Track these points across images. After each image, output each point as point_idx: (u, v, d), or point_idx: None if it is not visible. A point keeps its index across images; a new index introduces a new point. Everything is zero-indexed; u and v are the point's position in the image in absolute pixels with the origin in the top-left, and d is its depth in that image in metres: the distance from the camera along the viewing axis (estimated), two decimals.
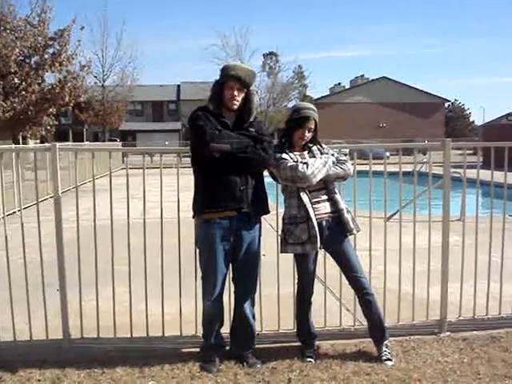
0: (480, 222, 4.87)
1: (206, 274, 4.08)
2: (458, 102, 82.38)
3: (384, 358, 4.20)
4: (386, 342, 4.32)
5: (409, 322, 4.82)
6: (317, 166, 4.03)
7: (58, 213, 4.34)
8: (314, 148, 4.24)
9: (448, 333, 4.71)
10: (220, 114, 3.97)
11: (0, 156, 4.31)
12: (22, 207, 4.65)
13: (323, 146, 4.31)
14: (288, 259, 4.65)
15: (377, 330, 4.30)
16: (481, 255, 4.86)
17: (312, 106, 4.24)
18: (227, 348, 4.31)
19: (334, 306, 5.02)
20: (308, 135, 4.16)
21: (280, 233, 4.30)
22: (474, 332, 4.73)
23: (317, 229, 4.03)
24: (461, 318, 4.92)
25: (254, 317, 4.27)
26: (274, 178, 4.26)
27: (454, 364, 4.13)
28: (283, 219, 4.23)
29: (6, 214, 4.52)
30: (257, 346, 4.17)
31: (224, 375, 3.94)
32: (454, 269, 4.78)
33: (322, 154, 4.21)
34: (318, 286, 4.76)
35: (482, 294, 4.90)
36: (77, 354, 4.34)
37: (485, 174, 5.02)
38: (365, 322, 4.59)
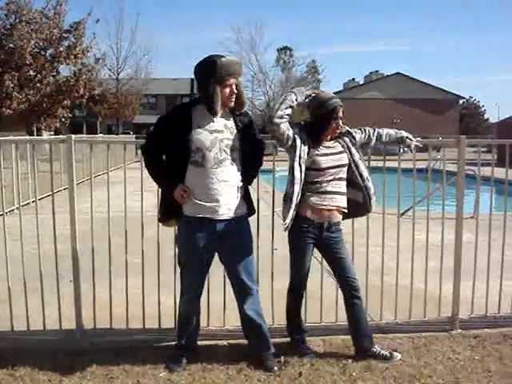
0: (493, 219, 4.86)
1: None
2: (472, 99, 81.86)
3: (384, 353, 4.09)
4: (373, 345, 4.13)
5: (420, 318, 4.81)
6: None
7: (72, 204, 4.37)
8: (346, 139, 4.03)
9: (459, 330, 4.70)
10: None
11: (16, 147, 4.34)
12: (37, 198, 4.69)
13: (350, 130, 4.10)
14: None
15: (365, 336, 4.12)
16: (494, 253, 4.84)
17: (332, 94, 4.05)
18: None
19: None
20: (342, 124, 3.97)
21: None
22: (486, 330, 4.70)
23: None
24: (473, 315, 4.90)
25: (260, 315, 4.04)
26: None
27: (465, 361, 4.12)
28: None
29: (21, 204, 4.54)
30: None
31: (234, 367, 3.96)
32: (467, 266, 4.77)
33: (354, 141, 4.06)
34: (329, 281, 4.76)
35: (494, 292, 4.88)
36: (89, 345, 4.37)
37: (499, 172, 4.99)
38: (376, 317, 4.60)
